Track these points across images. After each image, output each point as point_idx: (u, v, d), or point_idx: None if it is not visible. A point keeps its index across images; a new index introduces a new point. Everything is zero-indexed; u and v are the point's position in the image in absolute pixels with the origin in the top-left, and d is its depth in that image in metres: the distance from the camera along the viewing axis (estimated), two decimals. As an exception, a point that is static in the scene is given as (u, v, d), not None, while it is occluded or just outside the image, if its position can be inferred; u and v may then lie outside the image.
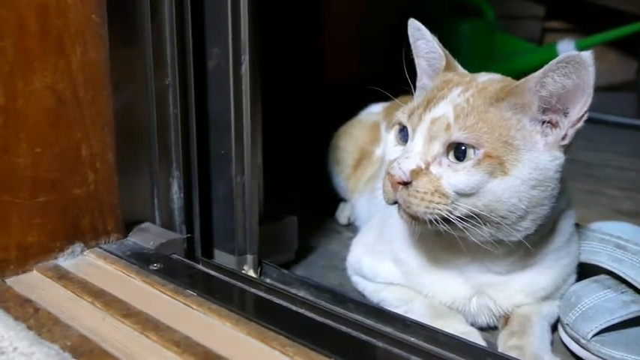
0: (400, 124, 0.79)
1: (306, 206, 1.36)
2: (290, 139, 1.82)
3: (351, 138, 1.29)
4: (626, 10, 2.74)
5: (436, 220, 0.73)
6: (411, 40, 0.84)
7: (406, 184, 0.73)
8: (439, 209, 0.72)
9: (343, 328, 0.70)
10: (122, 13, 0.86)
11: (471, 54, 2.86)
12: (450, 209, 0.72)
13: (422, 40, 0.84)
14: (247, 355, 0.63)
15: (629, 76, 2.88)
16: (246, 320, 0.69)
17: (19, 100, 0.77)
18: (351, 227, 1.29)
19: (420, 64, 0.86)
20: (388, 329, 0.78)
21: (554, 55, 2.69)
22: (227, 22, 0.90)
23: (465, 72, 0.85)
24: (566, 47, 2.67)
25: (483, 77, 0.80)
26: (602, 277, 0.88)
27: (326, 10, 2.74)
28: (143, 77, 0.90)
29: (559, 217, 0.84)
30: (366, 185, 1.17)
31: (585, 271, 0.91)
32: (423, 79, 0.86)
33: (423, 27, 0.83)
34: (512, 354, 0.77)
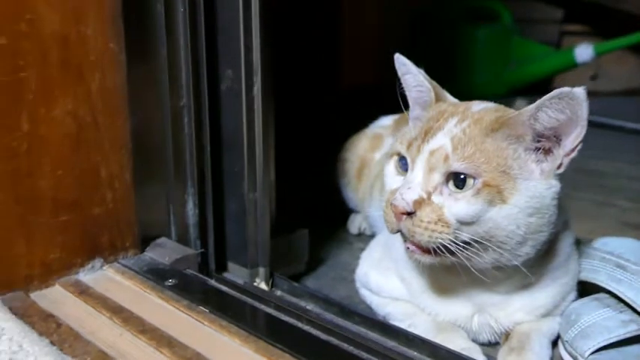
0: (399, 154, 0.82)
1: (319, 216, 1.40)
2: (305, 147, 1.84)
3: (354, 149, 1.33)
4: (646, 15, 2.74)
5: (439, 248, 0.75)
6: (399, 73, 0.86)
7: (409, 214, 0.76)
8: (442, 238, 0.75)
9: (345, 345, 0.74)
10: (139, 40, 0.90)
11: (487, 59, 2.87)
12: (452, 238, 0.75)
13: (409, 74, 0.86)
14: (254, 372, 0.68)
15: (649, 80, 2.87)
16: (254, 337, 0.73)
17: (42, 126, 0.81)
18: (362, 237, 1.33)
19: (411, 95, 0.88)
20: (392, 343, 0.82)
21: (572, 59, 2.71)
22: (239, 45, 0.93)
23: (457, 101, 0.88)
24: (584, 52, 2.67)
25: (477, 106, 0.83)
26: (602, 295, 0.90)
27: (344, 12, 2.76)
28: (159, 99, 0.94)
29: (556, 237, 0.86)
30: (371, 193, 1.20)
31: (588, 287, 0.93)
32: (415, 110, 0.88)
33: (408, 62, 0.85)
34: (510, 371, 0.80)
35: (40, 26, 0.80)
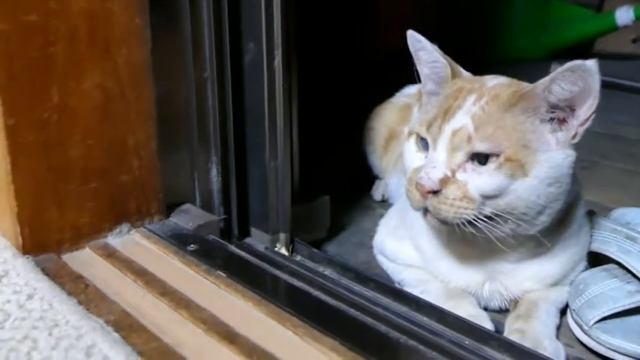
0: (419, 135, 0.84)
1: (344, 182, 1.42)
2: (334, 113, 1.84)
3: (382, 118, 1.35)
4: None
5: (463, 223, 0.79)
6: (412, 50, 0.88)
7: (435, 192, 0.79)
8: (467, 214, 0.78)
9: (352, 311, 0.78)
10: (163, 15, 0.93)
11: (524, 23, 2.83)
12: (476, 213, 0.78)
13: (423, 50, 0.87)
14: (262, 333, 0.72)
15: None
16: (266, 302, 0.78)
17: (71, 99, 0.86)
18: (385, 204, 1.35)
19: (423, 71, 0.89)
20: (403, 308, 0.86)
21: (613, 22, 2.66)
22: (261, 20, 0.96)
23: (471, 76, 0.89)
24: (625, 15, 2.61)
25: (492, 81, 0.85)
26: (611, 266, 0.92)
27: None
28: (183, 72, 0.98)
29: (570, 208, 0.89)
30: (395, 165, 1.23)
31: (601, 258, 0.95)
32: (427, 85, 0.90)
33: (422, 38, 0.87)
34: (514, 337, 0.83)
35: (68, 3, 0.83)
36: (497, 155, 0.77)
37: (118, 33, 0.88)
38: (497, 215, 0.79)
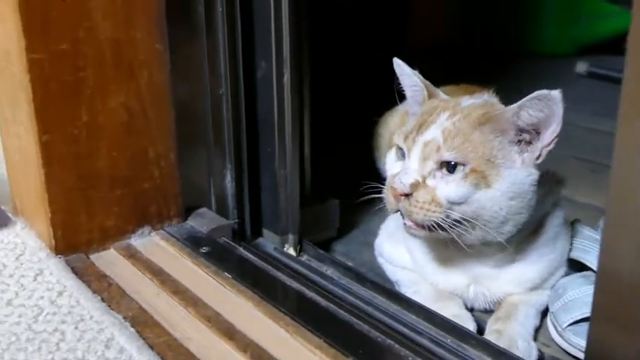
0: (398, 146, 0.93)
1: (356, 182, 1.49)
2: (364, 109, 1.87)
3: (388, 125, 1.43)
4: None
5: (433, 226, 0.87)
6: (398, 75, 0.97)
7: (407, 195, 0.87)
8: (435, 217, 0.86)
9: (341, 312, 0.87)
10: (182, 40, 1.04)
11: (554, 17, 2.84)
12: (444, 217, 0.86)
13: (404, 75, 0.97)
14: (258, 330, 0.82)
15: None
16: (265, 302, 0.88)
17: (98, 117, 0.97)
18: (395, 206, 1.44)
19: (408, 94, 0.99)
20: (395, 307, 0.95)
21: (642, 18, 2.64)
22: (271, 41, 1.05)
23: (448, 98, 0.98)
24: (655, 10, 2.60)
25: (467, 102, 0.93)
26: (589, 273, 0.98)
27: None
28: (200, 89, 1.08)
29: (544, 217, 0.97)
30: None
31: (585, 265, 1.02)
32: (413, 107, 0.99)
33: (402, 64, 0.96)
34: (492, 337, 0.91)
35: (96, 33, 0.94)
36: (464, 165, 0.85)
37: (140, 57, 0.98)
38: (465, 220, 0.86)
